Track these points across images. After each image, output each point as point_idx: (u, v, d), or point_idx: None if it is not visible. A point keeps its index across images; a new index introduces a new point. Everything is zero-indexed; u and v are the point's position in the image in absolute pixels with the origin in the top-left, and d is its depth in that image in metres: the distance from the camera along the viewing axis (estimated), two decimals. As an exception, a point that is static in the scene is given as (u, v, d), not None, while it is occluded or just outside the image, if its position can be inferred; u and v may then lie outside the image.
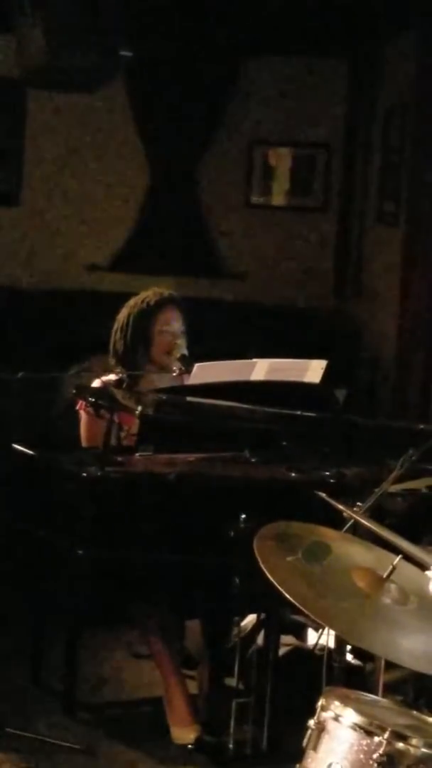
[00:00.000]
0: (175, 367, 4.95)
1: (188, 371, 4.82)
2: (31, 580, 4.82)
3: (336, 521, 3.52)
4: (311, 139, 8.74)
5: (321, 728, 2.97)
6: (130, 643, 5.24)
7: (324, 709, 2.99)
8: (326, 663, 3.84)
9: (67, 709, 4.69)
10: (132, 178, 8.63)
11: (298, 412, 4.45)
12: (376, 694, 3.33)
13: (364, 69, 8.45)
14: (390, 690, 3.86)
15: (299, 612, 3.87)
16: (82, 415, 4.94)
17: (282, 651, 4.79)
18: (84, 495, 4.30)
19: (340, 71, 8.67)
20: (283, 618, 4.79)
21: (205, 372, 4.66)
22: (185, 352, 5.00)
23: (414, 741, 2.88)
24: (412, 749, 2.87)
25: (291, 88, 8.65)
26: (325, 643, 3.87)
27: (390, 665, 3.38)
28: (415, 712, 3.18)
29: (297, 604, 2.98)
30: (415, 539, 3.57)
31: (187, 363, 4.89)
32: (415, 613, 3.08)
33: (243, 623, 4.75)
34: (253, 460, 4.66)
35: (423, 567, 3.33)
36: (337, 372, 4.91)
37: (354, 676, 4.12)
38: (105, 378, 4.98)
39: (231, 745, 4.34)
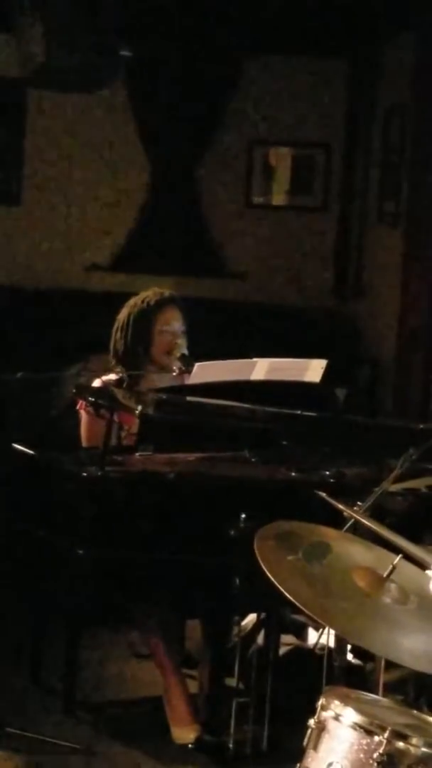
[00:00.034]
0: (175, 367, 4.95)
1: (188, 371, 4.82)
2: (31, 580, 4.81)
3: (336, 521, 3.52)
4: (311, 139, 8.74)
5: (321, 728, 2.97)
6: (131, 643, 5.24)
7: (324, 708, 2.98)
8: (326, 662, 3.85)
9: (67, 709, 4.68)
10: (132, 178, 8.64)
11: (298, 412, 4.45)
12: (377, 694, 3.33)
13: (364, 69, 8.46)
14: (390, 689, 3.86)
15: (299, 611, 3.86)
16: (83, 414, 4.94)
17: (282, 650, 4.80)
18: (84, 495, 4.30)
19: (340, 71, 8.68)
20: (283, 617, 4.80)
21: (205, 372, 4.66)
22: (185, 351, 5.00)
23: (414, 740, 2.88)
24: (412, 748, 2.87)
25: (291, 88, 8.65)
26: (325, 643, 3.87)
27: (390, 665, 3.38)
28: (415, 712, 3.17)
29: (297, 604, 2.98)
30: (415, 538, 3.57)
31: (187, 363, 4.89)
32: (415, 612, 3.08)
33: (243, 623, 4.75)
34: (253, 459, 4.66)
35: (423, 566, 3.33)
36: (337, 372, 4.91)
37: (354, 676, 4.12)
38: (105, 378, 4.98)
39: (231, 745, 4.33)
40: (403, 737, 2.88)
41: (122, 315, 5.07)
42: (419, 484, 4.34)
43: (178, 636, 4.77)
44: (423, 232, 7.37)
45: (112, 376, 4.98)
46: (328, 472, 4.53)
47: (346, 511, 3.50)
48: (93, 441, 4.79)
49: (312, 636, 5.04)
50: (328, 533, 3.34)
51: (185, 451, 4.65)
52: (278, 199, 8.91)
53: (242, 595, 4.17)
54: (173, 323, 5.05)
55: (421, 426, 4.61)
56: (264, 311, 8.54)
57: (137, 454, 4.59)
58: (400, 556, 3.17)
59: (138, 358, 5.00)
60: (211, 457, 4.66)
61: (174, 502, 4.33)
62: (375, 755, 2.85)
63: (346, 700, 3.00)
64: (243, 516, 4.14)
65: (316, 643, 4.49)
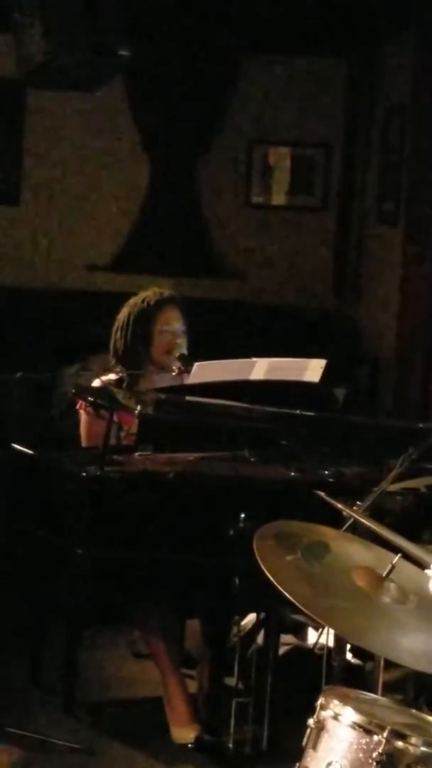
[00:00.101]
0: (175, 367, 4.95)
1: (188, 371, 4.82)
2: (31, 580, 4.81)
3: (335, 520, 3.52)
4: (311, 139, 8.74)
5: (320, 727, 2.97)
6: (131, 643, 5.24)
7: (323, 707, 2.99)
8: (326, 662, 3.85)
9: (67, 709, 4.69)
10: (132, 178, 8.64)
11: (298, 412, 4.45)
12: (376, 693, 3.33)
13: (363, 69, 8.46)
14: (389, 689, 3.86)
15: (299, 611, 3.86)
16: (82, 414, 4.94)
17: (282, 650, 4.79)
18: (84, 495, 4.30)
19: (340, 71, 8.68)
20: (282, 617, 4.80)
21: (205, 371, 4.66)
22: (185, 351, 5.00)
23: (413, 740, 2.88)
24: (411, 748, 2.87)
25: (291, 88, 8.65)
26: (324, 642, 3.87)
27: (389, 664, 3.38)
28: (414, 711, 3.17)
29: (296, 604, 2.98)
30: (414, 538, 3.57)
31: (187, 362, 4.89)
32: (414, 611, 3.08)
33: (243, 623, 4.75)
34: (252, 459, 4.66)
35: (422, 566, 3.33)
36: (337, 371, 4.92)
37: (354, 675, 4.12)
38: (105, 378, 4.98)
39: (231, 745, 4.34)
40: (402, 737, 2.88)
41: (122, 315, 5.07)
42: (418, 483, 4.34)
43: (178, 636, 4.77)
44: (423, 232, 7.37)
45: (112, 376, 4.98)
46: (327, 472, 4.54)
47: (346, 511, 3.50)
48: (92, 441, 4.80)
49: (311, 636, 5.04)
50: (328, 533, 3.34)
51: (185, 451, 4.65)
52: (278, 199, 8.91)
53: (242, 594, 4.17)
54: (173, 323, 5.05)
55: (420, 425, 4.61)
56: (264, 311, 8.55)
57: (137, 453, 4.59)
58: (399, 555, 3.17)
59: (138, 357, 5.01)
60: (211, 457, 4.66)
61: (173, 502, 4.33)
62: (374, 754, 2.86)
63: (345, 700, 3.00)
64: (242, 516, 4.14)
65: (316, 643, 4.49)
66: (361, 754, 2.88)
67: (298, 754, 3.02)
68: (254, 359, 4.73)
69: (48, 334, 7.80)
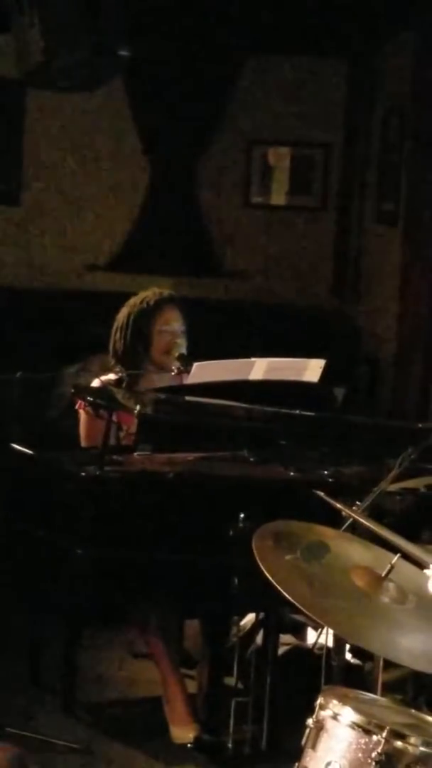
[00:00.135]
0: (174, 367, 4.95)
1: (187, 371, 4.82)
2: (30, 580, 4.81)
3: (335, 520, 3.52)
4: (311, 139, 8.74)
5: (320, 727, 2.97)
6: (130, 643, 5.24)
7: (323, 707, 2.99)
8: (325, 662, 3.85)
9: (67, 709, 4.69)
10: (132, 178, 8.63)
11: (297, 412, 4.45)
12: (375, 693, 3.34)
13: (363, 69, 8.46)
14: (389, 689, 3.86)
15: (298, 611, 3.87)
16: (82, 414, 4.94)
17: (281, 650, 4.79)
18: (83, 495, 4.30)
19: (340, 71, 8.68)
20: (282, 617, 4.79)
21: (204, 371, 4.66)
22: (184, 351, 5.00)
23: (412, 740, 2.88)
24: (410, 748, 2.87)
25: (291, 88, 8.65)
26: (324, 642, 3.87)
27: (389, 664, 3.39)
28: (413, 711, 3.18)
29: (296, 604, 2.98)
30: (413, 538, 3.57)
31: (186, 362, 4.89)
32: (413, 611, 3.08)
33: (242, 623, 4.75)
34: (251, 459, 4.66)
35: (421, 566, 3.33)
36: (336, 371, 4.92)
37: (353, 675, 4.13)
38: (104, 378, 4.99)
39: (230, 744, 4.34)
40: (402, 736, 2.88)
41: (122, 315, 5.07)
42: (418, 483, 4.34)
43: (178, 636, 4.77)
44: (422, 232, 7.37)
45: (112, 376, 4.98)
46: (326, 472, 4.53)
47: (345, 511, 3.50)
48: (92, 441, 4.80)
49: (311, 636, 5.04)
50: (327, 533, 3.34)
51: (184, 451, 4.65)
52: (277, 198, 8.90)
53: (241, 594, 4.17)
54: (173, 323, 5.05)
55: (420, 425, 4.61)
56: (263, 311, 8.54)
57: (136, 453, 4.59)
58: (398, 555, 3.17)
59: (137, 357, 5.01)
60: (210, 457, 4.66)
61: (173, 502, 4.33)
62: (373, 754, 2.86)
63: (344, 700, 3.00)
64: (242, 516, 4.14)
65: (315, 643, 4.49)
66: (360, 754, 2.88)
67: (298, 753, 3.02)
68: (253, 359, 4.73)
69: (48, 334, 7.79)
